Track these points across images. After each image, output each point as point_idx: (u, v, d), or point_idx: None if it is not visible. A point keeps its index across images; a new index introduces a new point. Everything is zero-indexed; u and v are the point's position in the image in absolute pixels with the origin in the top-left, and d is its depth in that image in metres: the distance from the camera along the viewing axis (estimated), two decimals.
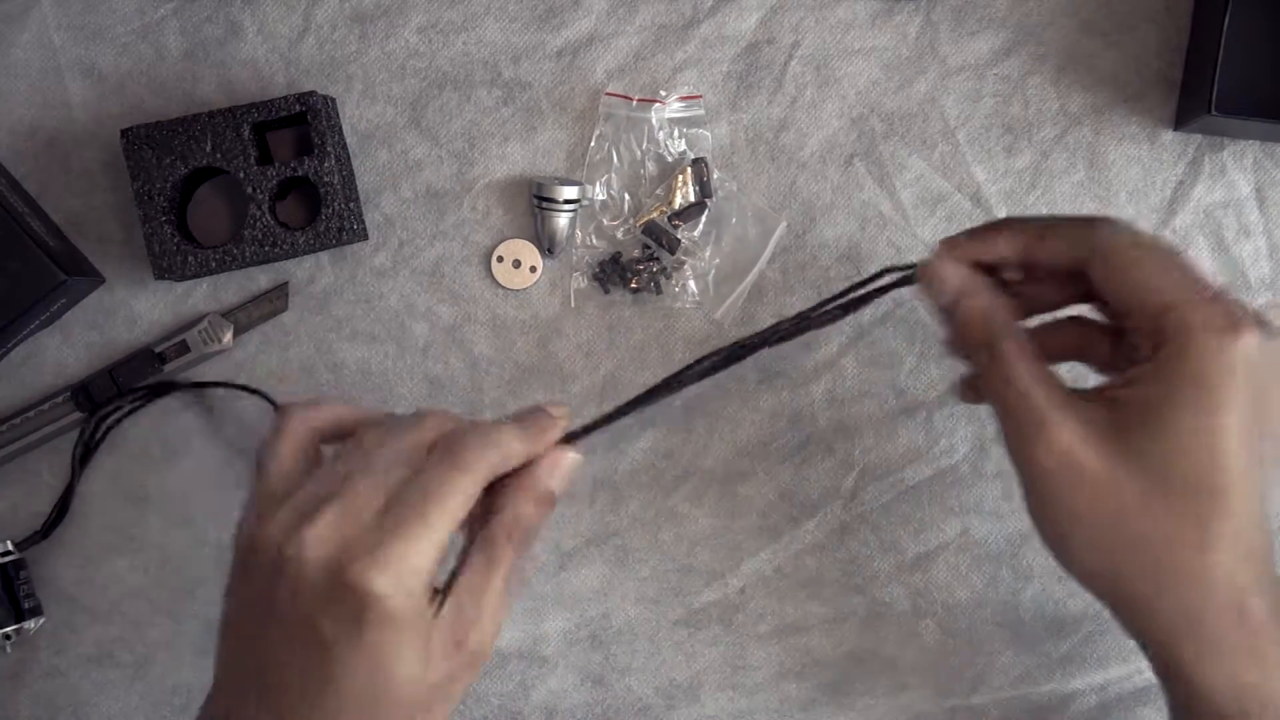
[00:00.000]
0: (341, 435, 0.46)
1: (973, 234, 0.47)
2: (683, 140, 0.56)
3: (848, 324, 0.56)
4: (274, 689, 0.42)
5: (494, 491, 0.44)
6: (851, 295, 0.50)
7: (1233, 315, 0.41)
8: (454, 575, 0.43)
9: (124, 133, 0.53)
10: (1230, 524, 0.41)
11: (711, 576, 0.57)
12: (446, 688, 0.43)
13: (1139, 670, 0.56)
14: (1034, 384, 0.43)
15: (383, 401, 0.56)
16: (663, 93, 0.56)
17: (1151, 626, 0.43)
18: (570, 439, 0.46)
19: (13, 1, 0.56)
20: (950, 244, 0.47)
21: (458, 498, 0.42)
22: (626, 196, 0.56)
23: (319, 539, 0.41)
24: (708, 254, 0.56)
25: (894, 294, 0.56)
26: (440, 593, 0.43)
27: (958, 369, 0.53)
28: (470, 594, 0.43)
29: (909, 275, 0.47)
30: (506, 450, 0.44)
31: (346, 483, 0.42)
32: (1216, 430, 0.41)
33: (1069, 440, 0.42)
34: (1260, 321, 0.42)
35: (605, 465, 0.56)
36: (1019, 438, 0.44)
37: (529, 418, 0.46)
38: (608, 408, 0.47)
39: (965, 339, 0.46)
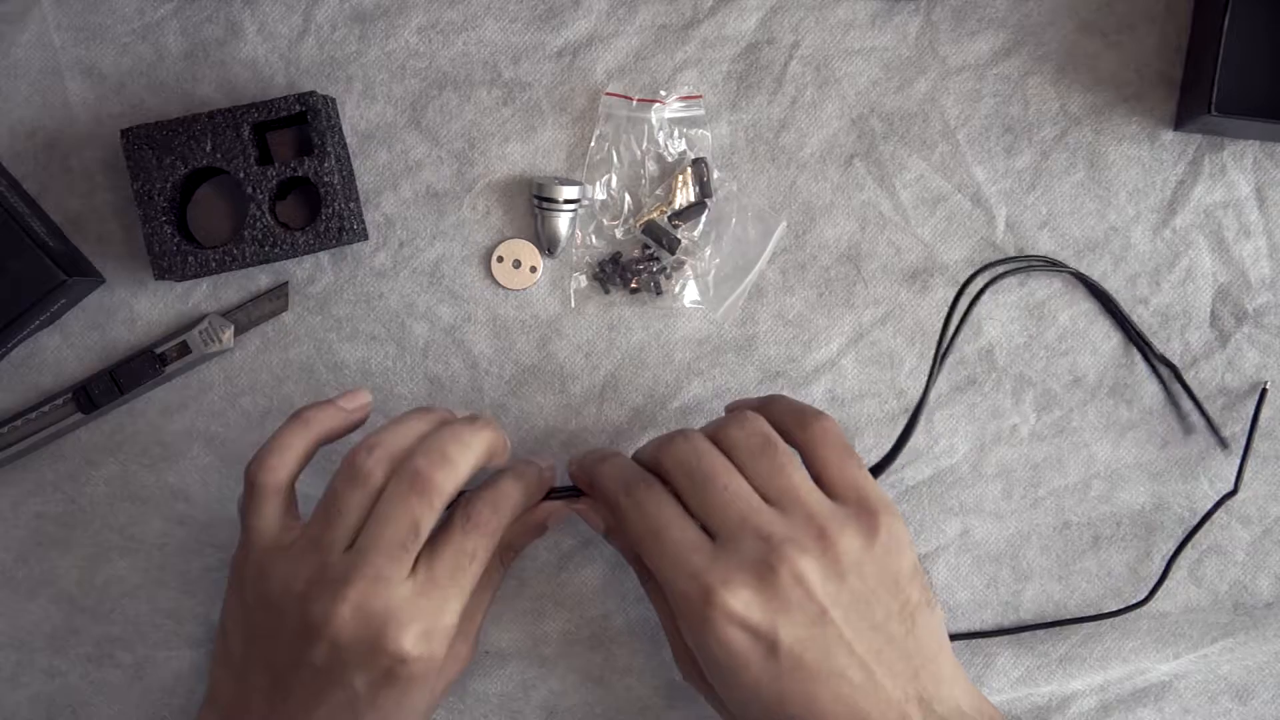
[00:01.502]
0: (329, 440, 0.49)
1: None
2: (683, 140, 0.56)
3: (848, 324, 0.56)
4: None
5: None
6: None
7: (701, 584, 0.43)
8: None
9: (124, 133, 0.53)
10: None
11: None
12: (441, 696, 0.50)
13: (1139, 671, 0.56)
14: (669, 626, 0.49)
15: (383, 403, 0.56)
16: (663, 93, 0.56)
17: None
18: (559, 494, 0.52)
19: (13, 1, 0.56)
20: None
21: (482, 560, 0.46)
22: (626, 196, 0.56)
23: (355, 610, 0.43)
24: (708, 254, 0.56)
25: (893, 298, 0.56)
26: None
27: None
28: (471, 615, 0.49)
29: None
30: (515, 511, 0.49)
31: (365, 549, 0.44)
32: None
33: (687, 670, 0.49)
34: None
35: None
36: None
37: (527, 473, 0.50)
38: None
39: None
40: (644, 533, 0.45)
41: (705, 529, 0.45)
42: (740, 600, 0.42)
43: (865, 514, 0.44)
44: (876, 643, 0.43)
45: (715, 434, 0.47)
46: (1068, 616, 0.56)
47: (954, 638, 0.56)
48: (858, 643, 0.43)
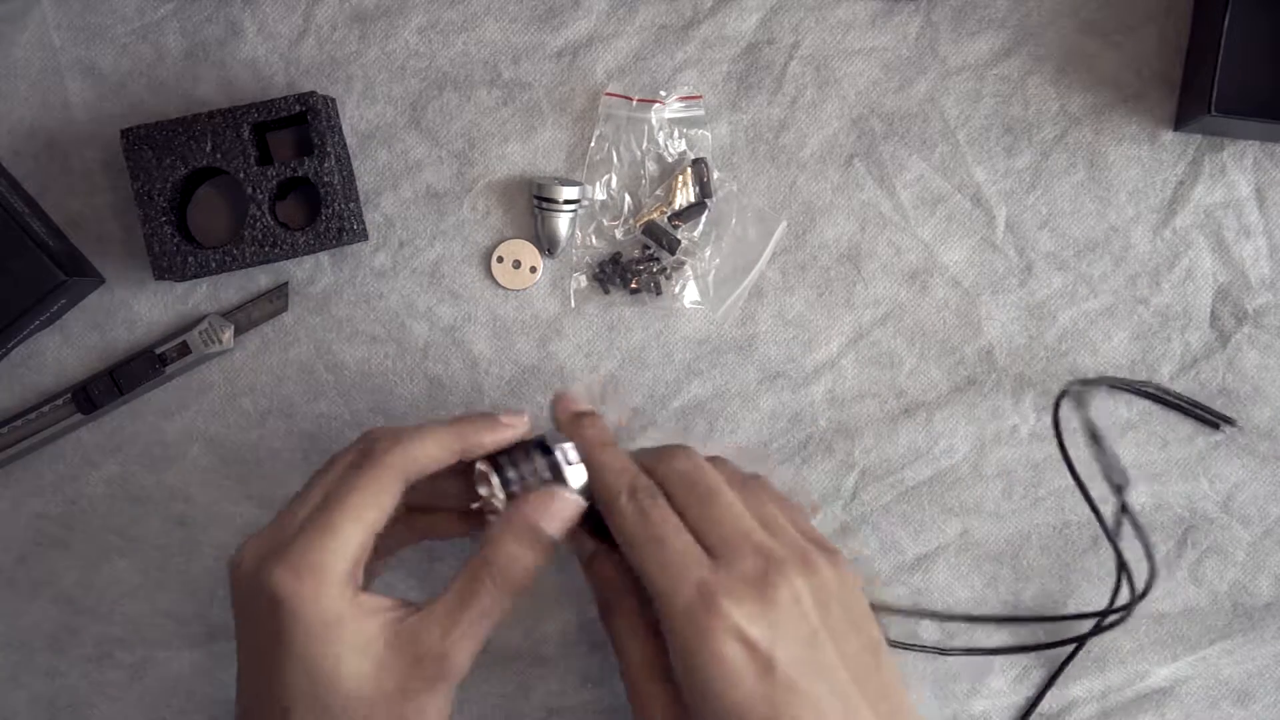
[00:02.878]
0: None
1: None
2: (683, 140, 0.56)
3: (848, 324, 0.56)
4: (252, 708, 0.44)
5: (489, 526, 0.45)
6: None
7: (707, 594, 0.41)
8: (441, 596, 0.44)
9: (124, 133, 0.53)
10: None
11: None
12: (402, 702, 0.42)
13: (1139, 675, 0.56)
14: (637, 663, 0.45)
15: (383, 402, 0.56)
16: (663, 93, 0.56)
17: None
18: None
19: (13, 1, 0.56)
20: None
21: (363, 495, 0.43)
22: (626, 196, 0.56)
23: (251, 550, 0.43)
24: (708, 254, 0.56)
25: (893, 298, 0.56)
26: (407, 604, 0.43)
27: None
28: (440, 616, 0.43)
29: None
30: (420, 448, 0.44)
31: (290, 503, 0.44)
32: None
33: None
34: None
35: None
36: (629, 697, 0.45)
37: (463, 420, 0.46)
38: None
39: (595, 596, 0.48)
40: (646, 539, 0.43)
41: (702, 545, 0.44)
42: (743, 612, 0.41)
43: (830, 552, 0.45)
44: (857, 672, 0.43)
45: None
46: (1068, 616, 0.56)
47: (947, 651, 0.56)
48: (842, 670, 0.42)
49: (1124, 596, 0.54)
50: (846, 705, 0.42)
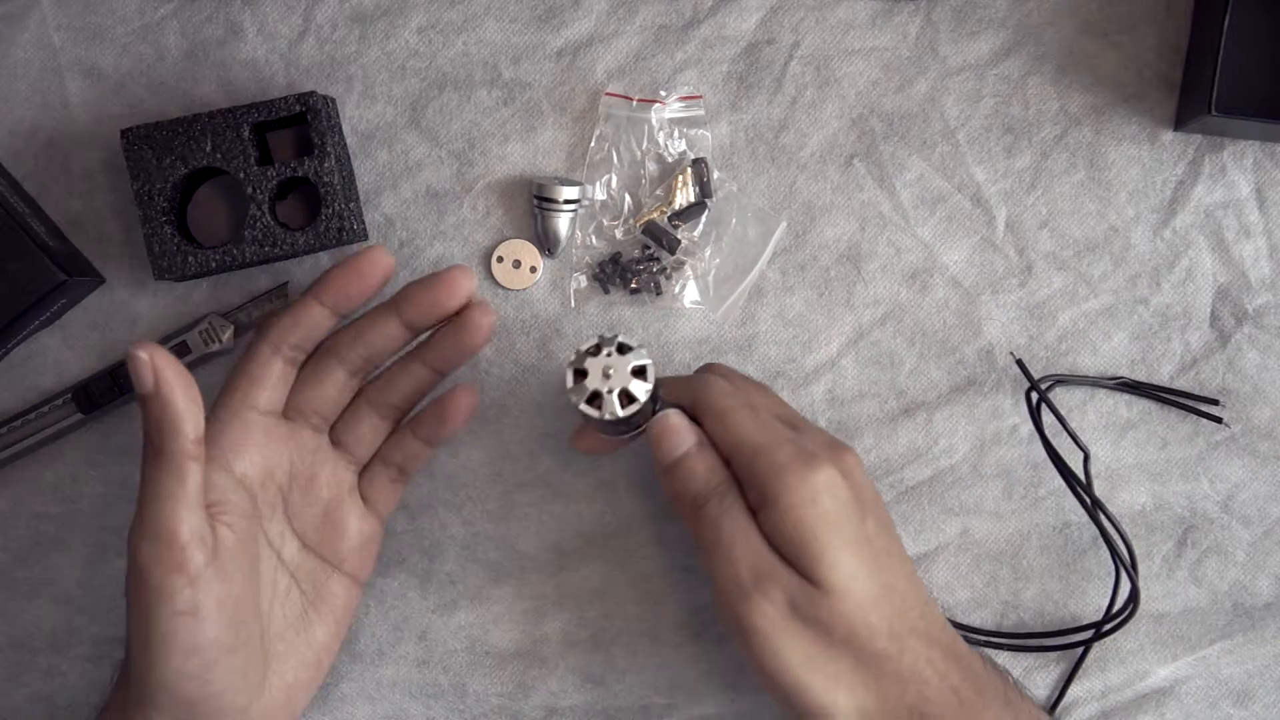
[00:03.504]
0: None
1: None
2: (683, 140, 0.56)
3: (848, 324, 0.56)
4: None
5: None
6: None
7: (808, 451, 0.45)
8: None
9: (124, 133, 0.53)
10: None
11: None
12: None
13: (1139, 675, 0.56)
14: (740, 551, 0.44)
15: None
16: (663, 93, 0.56)
17: None
18: None
19: (13, 1, 0.56)
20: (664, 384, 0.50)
21: (239, 377, 0.50)
22: (626, 196, 0.56)
23: None
24: (708, 254, 0.56)
25: (893, 298, 0.56)
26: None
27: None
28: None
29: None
30: (288, 316, 0.50)
31: None
32: (833, 578, 0.44)
33: (771, 614, 0.44)
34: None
35: (605, 465, 0.56)
36: (726, 602, 0.45)
37: (319, 280, 0.50)
38: None
39: (682, 495, 0.47)
40: (740, 405, 0.47)
41: None
42: (838, 466, 0.45)
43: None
44: (887, 540, 0.47)
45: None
46: (1066, 617, 0.56)
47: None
48: (880, 535, 0.46)
49: (1122, 596, 0.54)
50: (909, 566, 0.48)
